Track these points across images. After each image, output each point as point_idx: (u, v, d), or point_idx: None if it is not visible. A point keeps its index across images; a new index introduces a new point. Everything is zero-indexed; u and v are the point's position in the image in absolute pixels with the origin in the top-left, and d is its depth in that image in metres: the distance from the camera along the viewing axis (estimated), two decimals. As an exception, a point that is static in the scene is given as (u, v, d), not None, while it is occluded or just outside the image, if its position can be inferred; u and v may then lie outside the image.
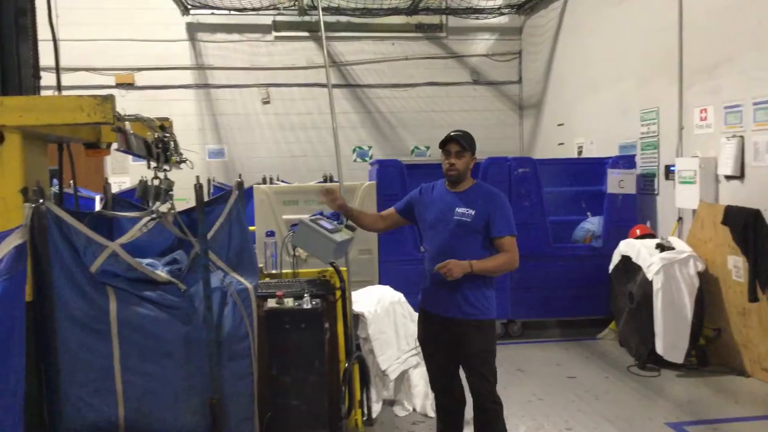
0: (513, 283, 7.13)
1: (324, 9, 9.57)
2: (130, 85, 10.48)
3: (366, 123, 11.38)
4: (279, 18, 10.94)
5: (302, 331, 3.91)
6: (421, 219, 3.92)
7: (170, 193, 2.93)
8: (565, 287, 7.21)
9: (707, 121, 6.45)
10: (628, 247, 6.47)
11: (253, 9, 10.29)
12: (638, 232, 6.77)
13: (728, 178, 6.11)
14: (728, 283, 5.89)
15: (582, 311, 7.33)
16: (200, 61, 10.88)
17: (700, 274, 5.92)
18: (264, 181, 7.93)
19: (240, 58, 10.94)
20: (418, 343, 4.91)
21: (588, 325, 7.33)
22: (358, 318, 4.69)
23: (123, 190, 7.39)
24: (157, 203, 2.80)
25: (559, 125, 10.09)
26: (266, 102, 11.12)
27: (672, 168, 6.89)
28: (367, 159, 11.14)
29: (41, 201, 1.80)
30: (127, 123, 2.66)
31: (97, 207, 5.79)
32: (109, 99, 2.28)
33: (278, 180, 8.78)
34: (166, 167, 3.00)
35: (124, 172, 10.17)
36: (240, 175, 3.86)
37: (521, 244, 7.15)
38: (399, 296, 5.10)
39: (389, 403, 5.05)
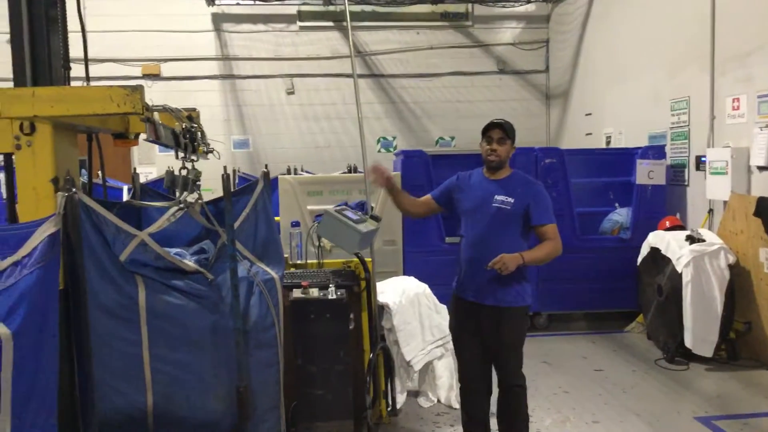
0: (539, 274, 7.08)
1: (349, -2, 9.54)
2: (156, 76, 10.56)
3: (390, 113, 11.35)
4: (304, 8, 10.94)
5: (327, 321, 3.92)
6: (459, 206, 3.93)
7: (198, 183, 2.94)
8: (592, 279, 7.13)
9: (739, 111, 6.32)
10: (657, 239, 6.38)
11: (278, -1, 10.32)
12: (668, 223, 6.67)
13: (761, 168, 5.98)
14: (760, 275, 5.78)
15: (609, 304, 7.26)
16: (225, 51, 10.93)
17: (730, 267, 5.81)
18: (288, 172, 7.96)
19: (265, 49, 10.97)
20: (442, 335, 4.92)
21: (615, 317, 7.26)
22: (382, 309, 4.69)
23: (150, 180, 7.47)
24: (185, 193, 2.81)
25: (587, 115, 9.96)
26: (291, 92, 11.13)
27: (703, 158, 6.77)
28: (391, 149, 11.12)
29: (73, 190, 1.82)
30: (155, 113, 2.67)
31: (125, 197, 5.86)
32: (138, 89, 2.30)
33: (302, 170, 8.80)
34: (194, 157, 3.01)
35: (151, 163, 10.28)
36: (266, 166, 3.86)
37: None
38: (424, 287, 5.08)
39: (414, 394, 5.05)
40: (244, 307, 2.75)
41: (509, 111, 11.32)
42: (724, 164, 6.25)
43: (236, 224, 2.85)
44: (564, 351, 6.40)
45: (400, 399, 4.81)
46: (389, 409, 4.61)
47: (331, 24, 11.07)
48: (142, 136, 2.89)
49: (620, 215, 7.41)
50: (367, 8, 10.84)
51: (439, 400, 4.99)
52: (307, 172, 8.85)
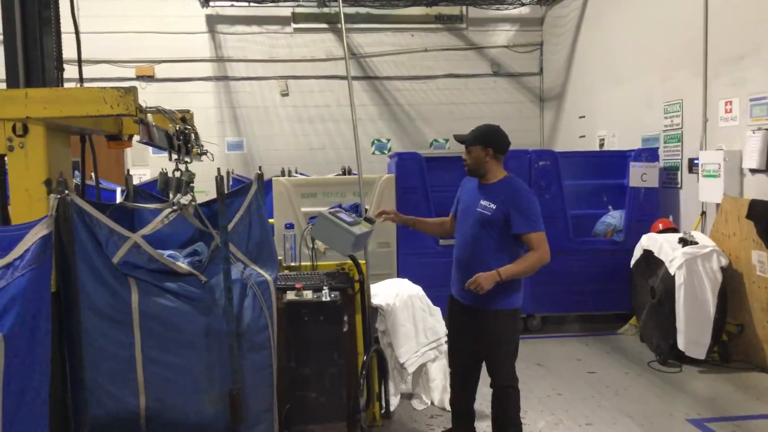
0: (533, 277, 7.05)
1: (343, 0, 9.54)
2: (150, 78, 10.53)
3: (385, 115, 11.35)
4: (298, 9, 10.93)
5: (321, 323, 3.92)
6: (457, 210, 4.09)
7: (191, 185, 2.94)
8: (585, 282, 7.15)
9: (732, 114, 6.35)
10: (650, 241, 6.39)
11: (273, 0, 10.30)
12: (661, 226, 6.70)
13: (753, 171, 6.00)
14: (752, 278, 5.80)
15: (602, 306, 7.27)
16: (219, 53, 10.91)
17: (723, 269, 5.83)
18: (282, 174, 7.94)
19: (259, 50, 10.95)
20: (436, 337, 4.93)
21: (608, 320, 7.27)
22: (376, 311, 4.69)
23: (144, 182, 7.44)
24: (179, 195, 2.81)
25: (581, 117, 9.99)
26: (285, 94, 11.12)
27: (696, 161, 6.79)
28: (385, 152, 11.12)
29: (66, 192, 1.81)
30: (149, 115, 2.66)
31: (118, 199, 5.84)
32: (132, 91, 2.29)
33: (297, 172, 8.79)
34: (187, 159, 3.01)
35: (145, 164, 10.24)
36: (260, 168, 3.86)
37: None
38: (418, 289, 5.08)
39: (407, 397, 5.04)
40: (238, 309, 2.75)
41: (503, 113, 11.35)
42: (717, 167, 6.28)
43: (230, 226, 2.85)
44: (557, 353, 6.41)
45: (394, 401, 4.80)
46: (383, 411, 4.61)
47: (325, 26, 11.06)
48: (136, 137, 2.88)
49: (613, 218, 7.43)
50: (362, 10, 10.85)
51: (432, 403, 4.99)
52: (301, 174, 8.84)
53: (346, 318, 4.02)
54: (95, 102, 2.28)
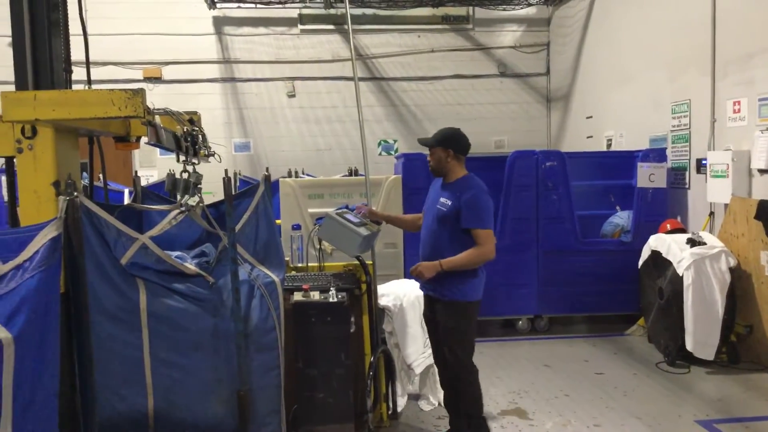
0: (540, 278, 7.08)
1: (350, 1, 9.55)
2: (157, 79, 10.57)
3: (391, 116, 11.36)
4: (305, 11, 10.95)
5: (328, 324, 3.92)
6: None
7: (199, 186, 2.95)
8: (593, 282, 7.13)
9: (740, 114, 6.31)
10: (658, 242, 6.37)
11: (279, 2, 10.33)
12: (669, 226, 6.67)
13: (762, 172, 5.97)
14: (761, 279, 5.77)
15: (610, 307, 7.25)
16: (226, 54, 10.93)
17: (731, 270, 5.80)
18: (289, 175, 7.95)
19: (266, 52, 10.98)
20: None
21: (616, 321, 7.25)
22: (383, 312, 4.68)
23: (151, 183, 7.47)
24: (186, 196, 2.82)
25: (588, 118, 9.96)
26: (291, 95, 11.14)
27: (704, 161, 6.76)
28: (392, 152, 11.12)
29: (75, 194, 1.82)
30: (156, 117, 2.67)
31: (126, 200, 5.86)
32: (140, 93, 2.30)
33: (303, 173, 8.80)
34: (195, 161, 3.02)
35: (152, 166, 10.28)
36: (267, 169, 3.86)
37: (549, 237, 7.16)
38: (425, 290, 5.07)
39: (414, 398, 5.04)
40: (245, 310, 2.75)
41: (509, 114, 11.36)
42: (725, 167, 6.25)
43: (237, 227, 2.85)
44: (565, 354, 6.39)
45: (401, 402, 4.80)
46: (390, 412, 4.60)
47: (332, 27, 11.08)
48: (144, 139, 2.89)
49: (621, 218, 7.41)
50: (368, 11, 10.86)
51: (439, 404, 4.97)
52: (308, 175, 8.85)
53: (353, 319, 4.03)
54: (103, 104, 2.29)
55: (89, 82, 3.09)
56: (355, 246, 4.00)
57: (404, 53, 11.24)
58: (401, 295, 4.88)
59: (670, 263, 6.06)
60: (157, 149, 10.56)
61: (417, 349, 4.83)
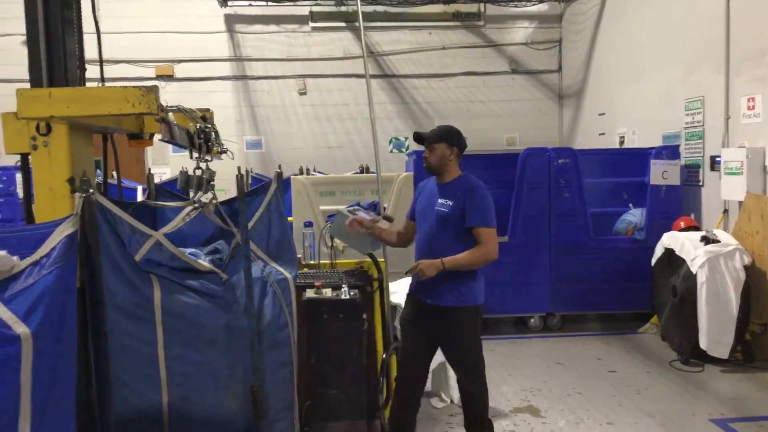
0: (552, 275, 7.06)
1: (361, -1, 9.55)
2: (169, 77, 10.61)
3: (402, 114, 11.34)
4: (316, 8, 10.95)
5: (340, 321, 3.92)
6: (416, 211, 4.03)
7: (212, 183, 2.95)
8: (605, 280, 7.10)
9: (755, 110, 6.26)
10: (671, 239, 6.33)
11: (290, 0, 10.33)
12: (682, 224, 6.62)
13: (777, 168, 5.92)
14: (776, 277, 5.72)
15: (623, 305, 7.22)
16: (238, 52, 10.96)
17: (746, 268, 5.75)
18: (301, 172, 7.95)
19: (277, 49, 11.00)
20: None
21: (629, 318, 7.21)
22: (395, 309, 4.68)
23: (164, 180, 7.50)
24: (200, 193, 2.82)
25: (600, 115, 9.91)
26: (303, 93, 11.15)
27: (718, 159, 6.70)
28: (403, 150, 11.11)
29: (90, 191, 1.83)
30: (170, 113, 2.68)
31: (140, 198, 5.89)
32: (153, 90, 2.31)
33: (315, 171, 8.80)
34: (208, 157, 3.02)
35: (165, 163, 10.33)
36: (279, 166, 3.87)
37: (562, 235, 7.13)
38: (437, 287, 5.06)
39: (426, 395, 5.03)
40: (258, 307, 2.76)
41: (521, 111, 11.31)
42: (739, 164, 6.19)
43: (250, 224, 2.86)
44: (577, 352, 6.37)
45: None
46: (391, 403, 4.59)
47: (343, 24, 11.08)
48: (157, 135, 2.90)
49: (634, 216, 7.37)
50: (379, 9, 10.85)
51: (452, 401, 4.98)
52: (319, 172, 8.86)
53: (365, 316, 4.02)
54: (117, 101, 2.30)
55: (102, 79, 3.10)
56: (367, 243, 4.00)
57: (415, 50, 11.22)
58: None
59: (683, 261, 6.02)
60: (170, 146, 10.62)
61: (429, 347, 4.81)
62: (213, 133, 3.10)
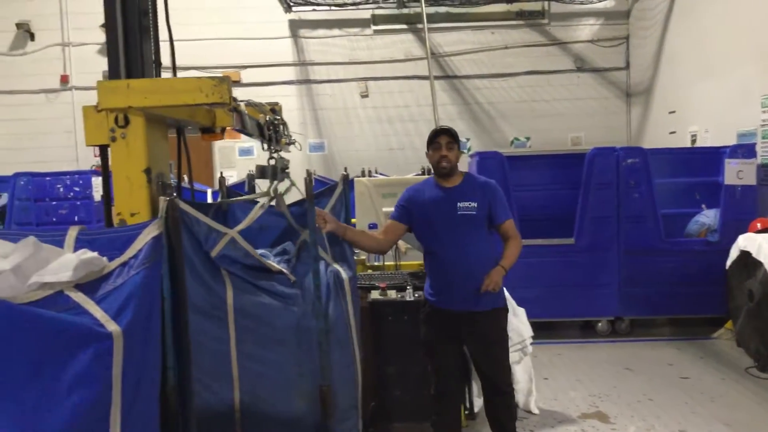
0: (621, 278, 6.87)
1: (424, 0, 9.56)
2: (236, 83, 10.86)
3: (464, 114, 11.29)
4: (378, 11, 11.03)
5: (405, 322, 3.94)
6: (421, 222, 3.72)
7: (286, 171, 3.00)
8: (677, 283, 6.86)
9: (839, 106, 5.94)
10: (747, 241, 6.07)
11: (353, 4, 10.44)
12: (759, 225, 6.34)
13: None
14: None
15: (695, 309, 6.96)
16: (302, 57, 11.14)
17: (830, 271, 5.47)
18: (363, 174, 8.02)
19: (339, 53, 11.13)
20: (521, 339, 4.84)
21: (702, 323, 6.95)
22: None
23: (231, 184, 7.69)
24: (275, 182, 2.88)
25: (671, 113, 9.60)
26: (365, 96, 11.24)
27: (798, 157, 6.40)
28: (465, 151, 11.05)
29: (174, 195, 1.91)
30: (241, 103, 2.75)
31: (209, 200, 6.06)
32: (226, 80, 2.40)
33: (376, 173, 8.86)
34: (278, 148, 3.06)
35: (231, 166, 10.59)
36: (345, 169, 3.91)
37: (631, 237, 6.94)
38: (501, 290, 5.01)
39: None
40: (325, 307, 2.79)
41: (587, 110, 11.08)
42: (822, 163, 5.89)
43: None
44: (647, 357, 6.18)
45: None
46: (467, 412, 4.57)
47: (404, 27, 11.11)
48: (227, 138, 2.98)
49: (707, 217, 7.11)
50: (441, 10, 10.82)
51: (518, 405, 4.90)
52: (381, 174, 8.91)
53: (429, 317, 4.01)
54: (192, 91, 2.39)
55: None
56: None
57: (477, 50, 11.15)
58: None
59: (760, 264, 5.76)
60: (236, 150, 10.89)
61: (494, 349, 4.77)
62: (282, 125, 3.15)
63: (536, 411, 4.81)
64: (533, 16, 11.13)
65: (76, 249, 1.78)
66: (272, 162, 2.94)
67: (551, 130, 10.67)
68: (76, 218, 7.86)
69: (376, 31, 11.15)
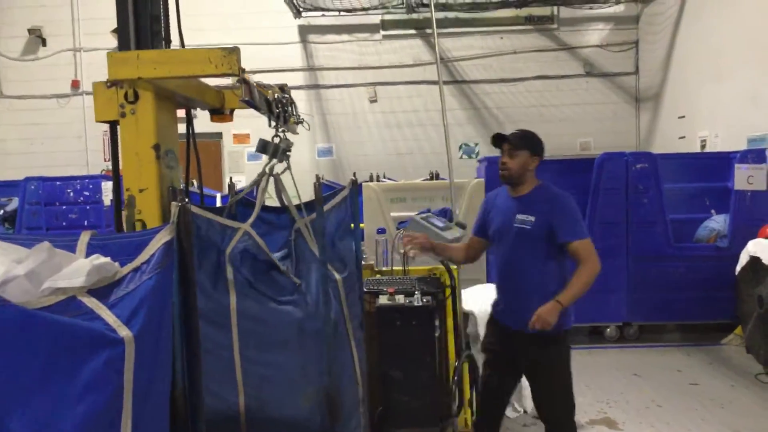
0: (630, 284, 6.86)
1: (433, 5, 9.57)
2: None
3: (472, 119, 11.30)
4: (387, 17, 11.06)
5: (413, 328, 3.93)
6: (489, 229, 3.65)
7: (288, 153, 2.96)
8: (686, 289, 6.84)
9: None
10: (757, 247, 6.05)
11: (362, 9, 10.47)
12: (769, 231, 6.32)
13: None
14: None
15: (705, 315, 6.94)
16: (311, 62, 11.19)
17: (841, 278, 5.44)
18: (371, 179, 8.03)
19: (348, 58, 11.17)
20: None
21: (711, 329, 6.93)
22: (467, 316, 4.66)
23: (240, 188, 7.71)
24: (274, 161, 2.85)
25: (680, 118, 9.57)
26: (373, 101, 11.27)
27: (808, 162, 6.37)
28: (473, 156, 11.06)
29: (186, 201, 1.92)
30: (249, 76, 2.72)
31: (218, 205, 6.08)
32: (235, 51, 2.40)
33: (385, 177, 8.87)
34: (284, 128, 3.03)
35: (240, 171, 10.64)
36: (354, 174, 3.93)
37: (640, 242, 6.92)
38: (509, 295, 5.01)
39: (499, 403, 4.98)
40: (326, 308, 2.79)
41: (596, 115, 11.07)
42: (834, 168, 5.86)
43: (307, 221, 2.90)
44: (656, 363, 6.16)
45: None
46: (474, 418, 4.56)
47: (413, 32, 11.14)
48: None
49: (717, 222, 7.08)
50: (450, 15, 10.84)
51: (525, 411, 4.91)
52: (389, 179, 8.92)
53: (437, 323, 4.02)
54: (201, 62, 2.38)
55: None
56: (439, 250, 3.98)
57: (486, 55, 11.16)
58: (486, 299, 4.84)
59: (771, 270, 5.74)
60: (245, 155, 10.92)
61: (501, 355, 4.77)
62: (291, 105, 3.13)
63: (544, 417, 4.80)
64: (542, 21, 11.14)
65: (87, 254, 1.79)
66: (276, 140, 2.90)
67: (560, 135, 10.64)
68: (85, 222, 7.91)
69: (385, 36, 11.19)
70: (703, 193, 7.38)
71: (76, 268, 1.68)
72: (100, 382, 1.55)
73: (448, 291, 4.27)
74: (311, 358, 2.72)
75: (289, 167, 2.92)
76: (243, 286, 2.58)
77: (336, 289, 2.93)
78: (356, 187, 3.42)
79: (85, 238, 1.84)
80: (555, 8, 11.00)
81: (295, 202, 2.91)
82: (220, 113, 3.20)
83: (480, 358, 3.89)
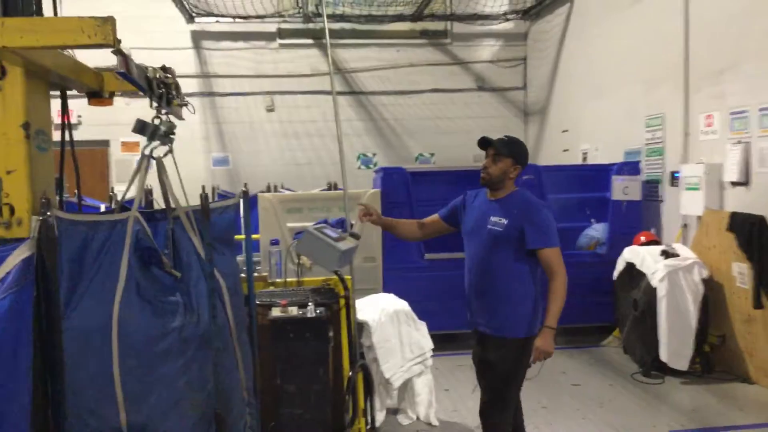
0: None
1: (329, 16, 9.60)
2: (134, 93, 10.48)
3: (370, 130, 11.41)
4: (284, 25, 11.00)
5: (306, 339, 3.91)
6: (461, 227, 3.78)
7: (171, 136, 2.82)
8: (568, 294, 6.97)
9: (713, 128, 6.45)
10: (632, 254, 6.46)
11: (258, 16, 10.35)
12: (643, 239, 6.76)
13: (734, 184, 6.10)
14: (733, 289, 5.87)
15: (586, 318, 7.29)
16: (205, 69, 10.93)
17: (704, 281, 5.90)
18: (268, 189, 7.95)
19: (244, 66, 11.00)
20: (421, 351, 4.94)
21: (592, 332, 7.30)
22: (362, 326, 4.69)
23: (127, 199, 7.40)
24: (153, 143, 2.72)
25: (564, 131, 10.09)
26: (270, 110, 11.16)
27: (677, 174, 6.88)
28: (371, 166, 11.16)
29: (48, 214, 1.79)
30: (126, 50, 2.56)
31: (103, 215, 5.80)
32: (110, 20, 2.21)
33: (282, 188, 8.80)
34: (168, 110, 2.89)
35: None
36: (245, 185, 3.87)
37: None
38: (403, 304, 5.10)
39: (393, 412, 5.04)
40: (208, 316, 2.71)
41: (487, 127, 11.43)
42: (698, 180, 6.37)
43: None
44: (544, 366, 6.41)
45: (380, 417, 4.80)
46: (368, 427, 4.59)
47: (311, 42, 11.13)
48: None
49: (596, 231, 7.50)
50: (347, 26, 10.92)
51: (418, 418, 4.99)
52: (287, 189, 8.85)
53: (331, 334, 4.02)
54: (73, 31, 2.20)
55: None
56: (334, 260, 3.99)
57: (383, 67, 11.32)
58: (380, 309, 4.89)
59: (644, 275, 6.14)
60: (134, 164, 10.48)
61: (395, 363, 4.84)
62: (174, 86, 2.99)
63: (436, 423, 4.91)
64: (437, 35, 11.45)
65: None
66: (157, 121, 2.77)
67: (454, 146, 10.92)
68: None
69: (282, 45, 11.12)
70: (584, 202, 7.79)
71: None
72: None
73: (342, 301, 4.28)
74: (194, 366, 2.64)
75: (171, 151, 2.79)
76: (130, 292, 2.46)
77: (222, 295, 2.85)
78: (247, 198, 3.37)
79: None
80: (449, 23, 11.33)
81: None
82: (98, 96, 3.02)
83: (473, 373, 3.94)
